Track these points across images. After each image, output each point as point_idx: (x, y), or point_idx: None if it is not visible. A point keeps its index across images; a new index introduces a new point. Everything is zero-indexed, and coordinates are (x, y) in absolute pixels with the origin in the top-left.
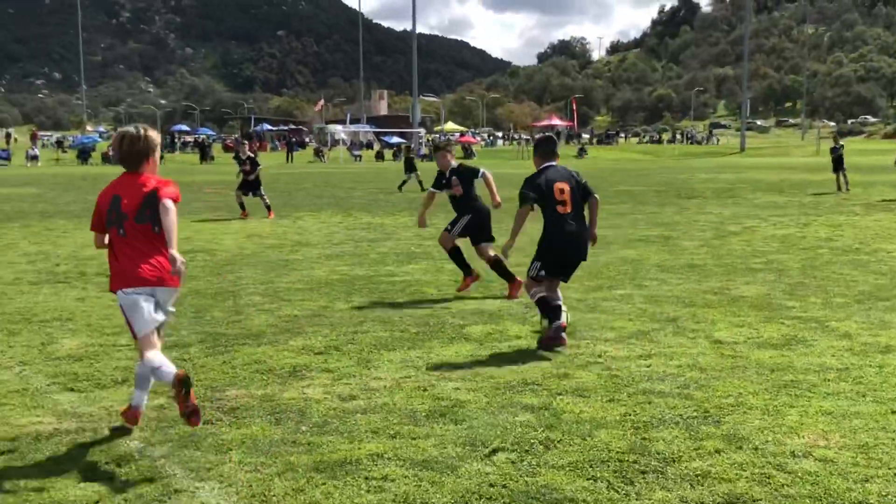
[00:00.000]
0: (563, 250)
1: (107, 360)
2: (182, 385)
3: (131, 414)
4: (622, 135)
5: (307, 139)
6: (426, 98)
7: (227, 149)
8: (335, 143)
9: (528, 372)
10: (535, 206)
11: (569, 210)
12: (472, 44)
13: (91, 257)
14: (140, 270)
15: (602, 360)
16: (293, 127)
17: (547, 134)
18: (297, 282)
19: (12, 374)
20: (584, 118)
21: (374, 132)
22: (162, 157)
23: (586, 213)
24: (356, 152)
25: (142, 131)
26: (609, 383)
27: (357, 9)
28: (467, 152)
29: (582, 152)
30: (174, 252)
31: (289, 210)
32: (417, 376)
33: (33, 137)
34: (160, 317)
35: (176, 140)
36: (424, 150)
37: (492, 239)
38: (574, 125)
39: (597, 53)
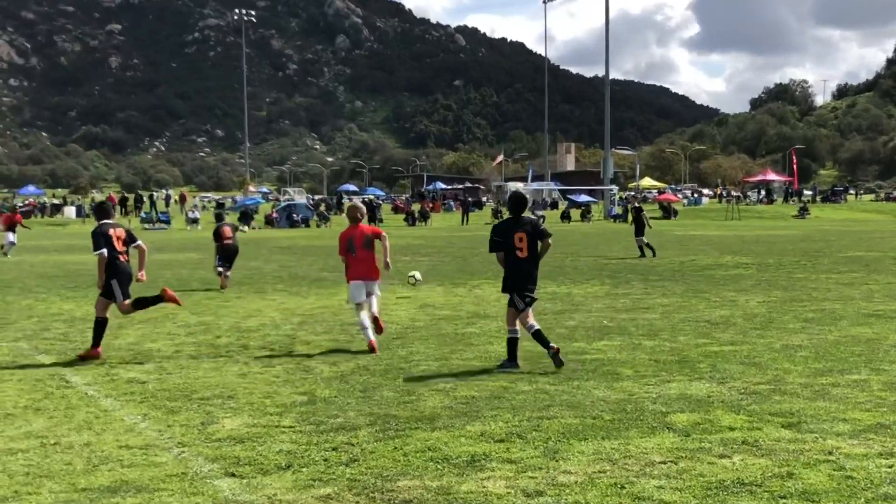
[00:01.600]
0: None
1: (270, 442)
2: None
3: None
4: (851, 191)
5: (484, 198)
6: (619, 151)
7: (396, 209)
8: None
9: (744, 470)
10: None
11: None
12: (673, 89)
13: (254, 328)
14: (363, 272)
15: (834, 458)
16: (469, 185)
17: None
18: (475, 358)
19: (171, 455)
20: (805, 172)
21: (560, 190)
22: (327, 220)
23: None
24: (539, 212)
25: (359, 204)
26: (843, 486)
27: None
28: (667, 211)
29: (803, 212)
30: (388, 260)
31: (464, 277)
32: (613, 471)
33: (182, 200)
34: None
35: (344, 200)
36: (617, 210)
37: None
38: (794, 180)
39: (821, 98)
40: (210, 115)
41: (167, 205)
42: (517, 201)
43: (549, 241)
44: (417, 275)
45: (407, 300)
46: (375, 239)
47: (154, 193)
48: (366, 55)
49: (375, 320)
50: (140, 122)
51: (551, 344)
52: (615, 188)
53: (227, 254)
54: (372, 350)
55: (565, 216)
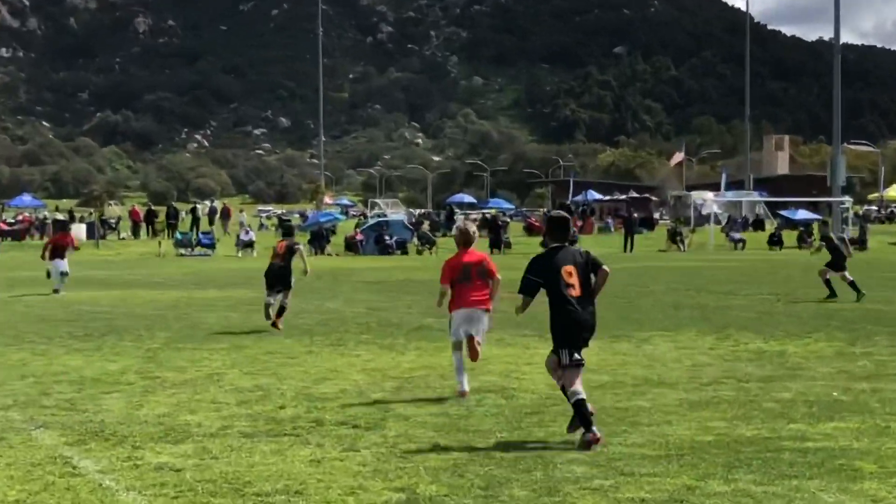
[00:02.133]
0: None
1: None
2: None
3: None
4: None
5: (656, 214)
6: (854, 147)
7: (531, 229)
8: (702, 219)
9: None
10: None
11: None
12: None
13: (330, 396)
14: (472, 300)
15: None
16: (635, 195)
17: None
18: (645, 444)
19: None
20: None
21: (767, 202)
22: (432, 244)
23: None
24: (736, 235)
25: (471, 227)
26: None
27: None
28: None
29: None
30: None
31: (629, 327)
32: None
33: (226, 215)
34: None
35: (456, 216)
36: (851, 232)
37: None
38: None
39: None
40: (271, 97)
41: (211, 222)
42: (559, 223)
43: (607, 268)
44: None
45: (540, 358)
46: (490, 274)
47: (197, 206)
48: (488, 13)
49: (471, 341)
50: (175, 107)
51: (594, 428)
52: (848, 201)
53: (268, 277)
54: (461, 395)
55: (775, 240)
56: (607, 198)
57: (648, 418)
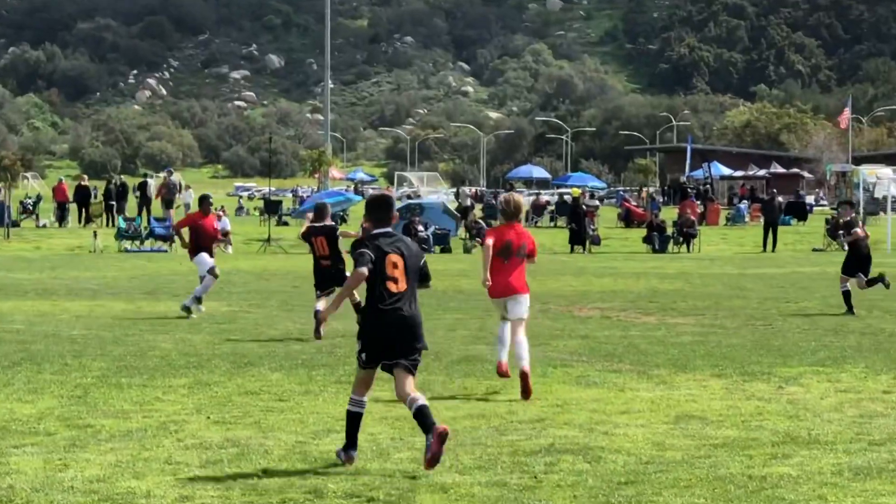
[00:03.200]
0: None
1: None
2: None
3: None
4: None
5: (811, 197)
6: None
7: (630, 217)
8: (874, 205)
9: None
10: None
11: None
12: None
13: (329, 452)
14: (507, 284)
15: None
16: (778, 171)
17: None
18: None
19: None
20: None
21: None
22: (474, 236)
23: None
24: None
25: (515, 197)
26: None
27: None
28: None
29: None
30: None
31: (768, 361)
32: None
33: (161, 195)
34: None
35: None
36: None
37: None
38: None
39: None
40: (256, 27)
41: (169, 204)
42: (380, 204)
43: (431, 285)
44: None
45: (648, 403)
46: (529, 254)
47: (149, 180)
48: None
49: (524, 378)
50: (121, 40)
51: (437, 426)
52: None
53: (323, 278)
54: (501, 374)
55: None
56: (739, 173)
57: (794, 492)
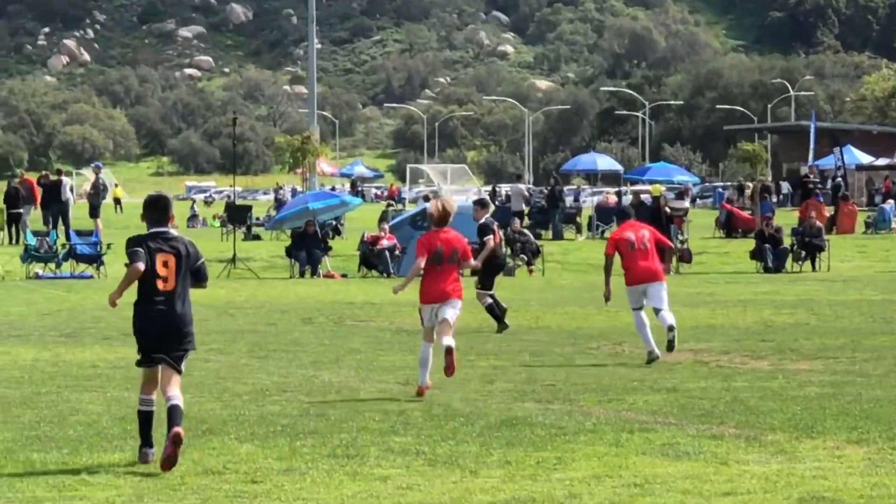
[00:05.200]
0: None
1: None
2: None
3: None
4: None
5: None
6: None
7: (732, 224)
8: None
9: None
10: None
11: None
12: None
13: None
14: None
15: None
16: None
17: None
18: None
19: None
20: None
21: None
22: (535, 256)
23: None
24: None
25: (441, 203)
26: None
27: None
28: None
29: None
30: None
31: None
32: None
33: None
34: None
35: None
36: None
37: None
38: None
39: None
40: None
41: (95, 213)
42: (155, 204)
43: (206, 285)
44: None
45: (761, 480)
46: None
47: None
48: None
49: (449, 352)
50: None
51: (175, 429)
52: None
53: (490, 269)
54: (419, 393)
55: None
56: (883, 161)
57: None
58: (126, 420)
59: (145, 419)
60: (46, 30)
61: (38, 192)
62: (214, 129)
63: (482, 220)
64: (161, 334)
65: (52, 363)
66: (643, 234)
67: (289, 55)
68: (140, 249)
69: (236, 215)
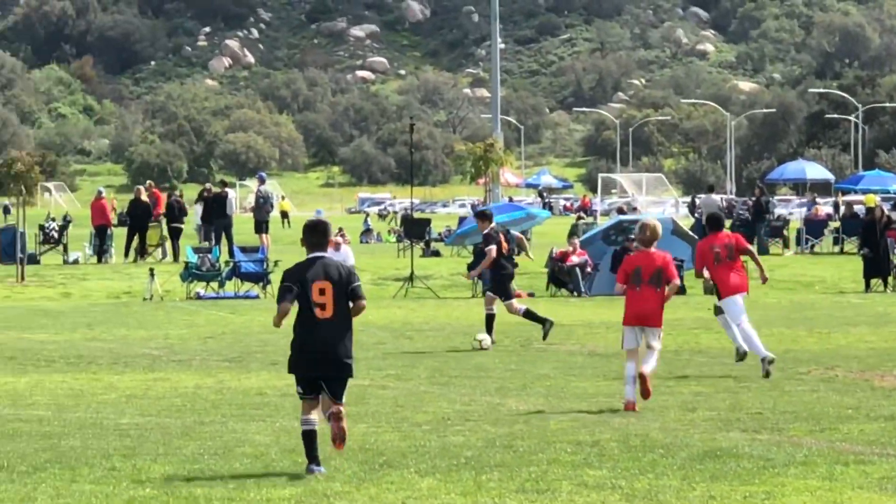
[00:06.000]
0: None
1: None
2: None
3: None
4: None
5: None
6: None
7: None
8: None
9: None
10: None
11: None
12: None
13: None
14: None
15: None
16: None
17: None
18: None
19: None
20: None
21: None
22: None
23: None
24: None
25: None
26: None
27: None
28: None
29: None
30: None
31: None
32: None
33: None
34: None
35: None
36: None
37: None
38: None
39: None
40: None
41: (261, 227)
42: (314, 229)
43: (364, 302)
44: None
45: None
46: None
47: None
48: None
49: (643, 379)
50: None
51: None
52: None
53: (501, 278)
54: (628, 408)
55: None
56: None
57: None
58: (296, 452)
59: (308, 438)
60: (207, 30)
61: (163, 205)
62: (389, 136)
63: (486, 231)
64: (319, 363)
65: (216, 390)
66: (729, 244)
67: (470, 56)
68: (291, 286)
69: (414, 230)
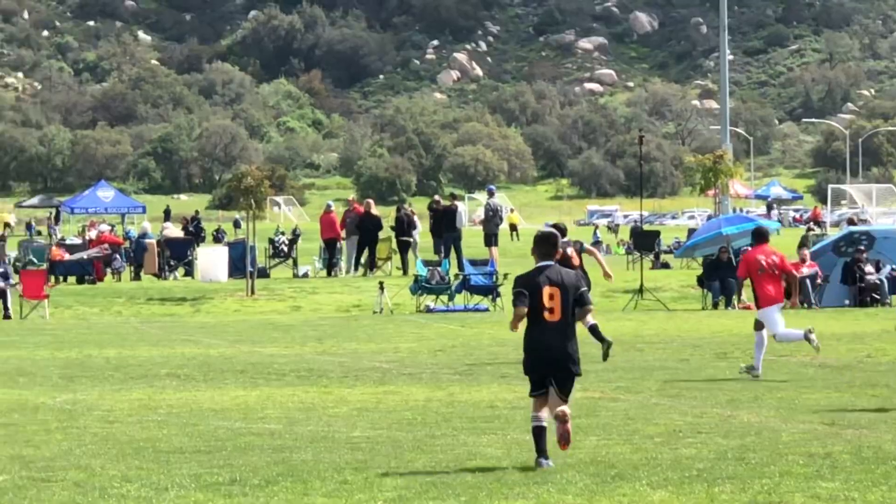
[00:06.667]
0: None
1: None
2: None
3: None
4: None
5: None
6: None
7: None
8: None
9: None
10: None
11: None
12: None
13: None
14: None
15: None
16: None
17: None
18: None
19: None
20: None
21: None
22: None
23: None
24: None
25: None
26: None
27: None
28: None
29: None
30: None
31: None
32: None
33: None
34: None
35: None
36: None
37: None
38: None
39: None
40: None
41: (490, 240)
42: (544, 240)
43: (591, 307)
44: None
45: None
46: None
47: (459, 204)
48: None
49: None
50: None
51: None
52: None
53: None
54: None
55: None
56: None
57: None
58: (529, 465)
59: (538, 433)
60: (435, 43)
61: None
62: (618, 148)
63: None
64: (549, 362)
65: (447, 403)
66: (773, 259)
67: (698, 67)
68: (524, 291)
69: (643, 242)
